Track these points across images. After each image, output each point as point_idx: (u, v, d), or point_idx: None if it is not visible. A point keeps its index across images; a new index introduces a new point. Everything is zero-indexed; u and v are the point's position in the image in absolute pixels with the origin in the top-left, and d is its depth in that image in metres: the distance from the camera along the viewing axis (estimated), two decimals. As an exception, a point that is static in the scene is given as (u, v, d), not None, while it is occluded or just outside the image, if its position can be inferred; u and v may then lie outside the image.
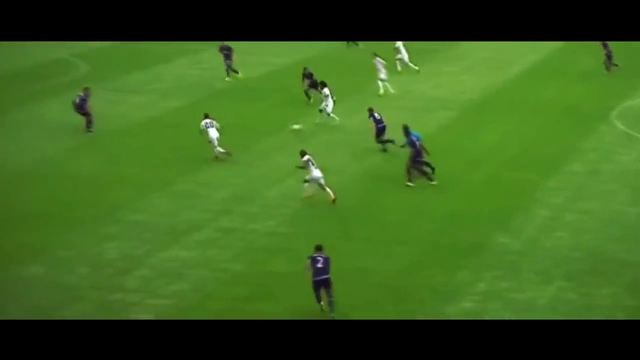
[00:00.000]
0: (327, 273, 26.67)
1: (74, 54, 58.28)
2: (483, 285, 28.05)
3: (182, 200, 34.67)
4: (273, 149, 40.47)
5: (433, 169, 36.50)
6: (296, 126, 42.18)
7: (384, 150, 40.36)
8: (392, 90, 49.29)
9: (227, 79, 52.00)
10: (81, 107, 42.49)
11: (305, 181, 34.76)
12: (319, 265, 26.70)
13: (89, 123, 42.44)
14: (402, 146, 37.36)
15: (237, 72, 52.19)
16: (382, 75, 49.46)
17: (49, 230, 31.94)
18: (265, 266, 29.44)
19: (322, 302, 26.42)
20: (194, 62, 56.92)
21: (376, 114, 40.96)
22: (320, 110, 44.13)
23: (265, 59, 56.93)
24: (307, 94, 47.24)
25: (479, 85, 51.48)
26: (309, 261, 26.92)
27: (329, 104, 44.00)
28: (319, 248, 27.25)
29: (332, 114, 44.03)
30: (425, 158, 36.64)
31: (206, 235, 31.54)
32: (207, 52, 56.79)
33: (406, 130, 37.14)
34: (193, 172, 37.29)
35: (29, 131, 42.67)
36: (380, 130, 40.74)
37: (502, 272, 28.87)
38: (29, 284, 28.11)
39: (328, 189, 34.49)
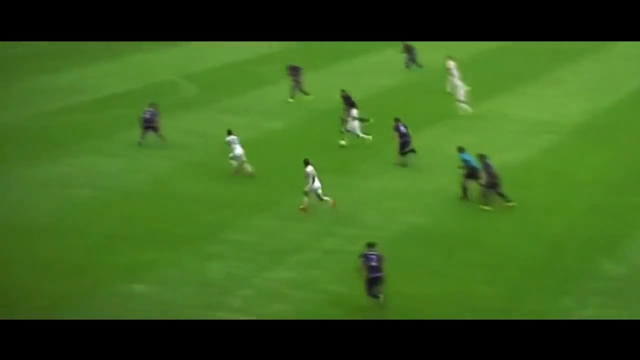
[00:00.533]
0: (380, 271, 27.38)
1: (182, 75, 59.17)
2: (589, 312, 27.67)
3: (285, 221, 34.90)
4: (374, 171, 40.49)
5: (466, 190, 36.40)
6: (343, 142, 42.10)
7: (404, 165, 40.49)
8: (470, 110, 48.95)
9: (290, 99, 52.07)
10: (151, 121, 43.93)
11: (305, 193, 35.29)
12: (373, 263, 27.34)
13: (146, 135, 43.92)
14: (460, 167, 37.08)
15: (307, 94, 52.22)
16: (460, 96, 49.16)
17: (154, 249, 32.46)
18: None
19: (374, 300, 27.41)
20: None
21: (402, 127, 40.91)
22: (348, 131, 43.92)
23: (368, 80, 57.01)
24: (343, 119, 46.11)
25: (583, 108, 50.77)
26: (362, 259, 27.57)
27: (355, 125, 43.79)
28: (371, 245, 27.85)
29: (362, 134, 43.78)
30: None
31: (308, 256, 31.71)
32: (307, 76, 57.14)
33: (461, 152, 37.22)
34: (297, 194, 37.49)
35: (140, 151, 43.41)
36: (404, 144, 40.67)
37: (607, 299, 28.44)
38: (135, 302, 28.59)
39: (326, 197, 35.25)
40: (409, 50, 60.12)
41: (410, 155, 40.84)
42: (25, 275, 30.50)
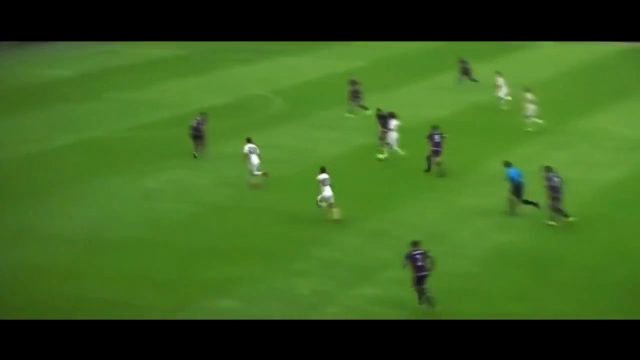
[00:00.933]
0: (426, 270, 28.13)
1: (272, 90, 59.28)
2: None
3: (372, 238, 34.55)
4: (467, 188, 39.94)
5: (535, 204, 35.93)
6: (381, 155, 41.65)
7: (428, 170, 41.08)
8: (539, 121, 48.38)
9: (347, 114, 51.74)
10: (197, 130, 44.61)
11: (320, 201, 35.75)
12: (420, 263, 28.12)
13: (198, 146, 44.57)
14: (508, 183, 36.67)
15: (366, 108, 51.78)
16: (530, 111, 48.78)
17: (242, 264, 32.36)
18: (456, 307, 28.90)
19: (423, 298, 28.05)
20: (387, 99, 56.91)
21: (436, 136, 41.31)
22: (387, 144, 43.70)
23: (455, 96, 56.45)
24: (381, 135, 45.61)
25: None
26: (408, 259, 28.34)
27: (393, 137, 43.55)
28: (416, 244, 28.56)
29: (395, 147, 43.57)
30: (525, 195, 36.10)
31: (396, 273, 31.26)
32: (399, 91, 56.87)
33: (506, 167, 36.84)
34: (386, 210, 37.13)
35: (227, 165, 43.46)
36: (435, 152, 41.10)
37: None
38: (222, 317, 28.44)
39: (335, 209, 35.60)
40: (464, 65, 59.84)
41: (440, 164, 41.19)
42: (115, 286, 30.67)
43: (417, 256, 28.28)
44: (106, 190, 40.26)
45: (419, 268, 28.21)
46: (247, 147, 40.49)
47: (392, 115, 44.44)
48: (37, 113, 54.06)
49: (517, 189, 36.33)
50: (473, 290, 30.14)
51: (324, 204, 36.09)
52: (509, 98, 53.31)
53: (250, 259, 32.78)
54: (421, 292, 28.28)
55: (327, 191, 36.02)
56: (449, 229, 35.36)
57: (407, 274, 31.12)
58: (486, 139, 47.48)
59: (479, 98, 55.77)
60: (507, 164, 37.16)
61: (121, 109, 51.89)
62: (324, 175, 36.29)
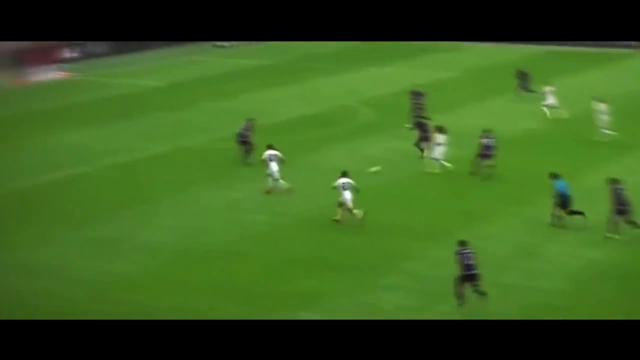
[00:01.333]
0: (476, 268, 28.62)
1: (359, 100, 58.99)
2: None
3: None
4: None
5: (581, 213, 35.60)
6: (374, 168, 41.36)
7: (473, 174, 41.43)
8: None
9: (407, 125, 50.93)
10: (243, 136, 44.90)
11: (340, 204, 36.24)
12: (470, 261, 28.63)
13: (247, 152, 44.64)
14: (555, 195, 36.25)
15: (428, 119, 51.12)
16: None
17: (324, 277, 32.07)
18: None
19: (462, 299, 28.59)
20: (478, 111, 56.22)
21: (485, 139, 42.42)
22: (435, 159, 43.45)
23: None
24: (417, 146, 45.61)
25: None
26: (459, 257, 28.85)
27: (439, 150, 43.35)
28: (463, 243, 29.07)
29: (442, 161, 43.38)
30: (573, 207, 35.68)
31: (485, 290, 30.66)
32: (492, 103, 56.16)
33: (553, 179, 36.40)
34: (477, 225, 36.52)
35: (313, 176, 43.28)
36: (483, 156, 42.14)
37: None
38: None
39: (355, 211, 36.08)
40: (523, 77, 58.70)
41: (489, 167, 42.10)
42: (201, 297, 30.61)
43: (467, 255, 28.75)
44: (195, 201, 40.31)
45: (467, 267, 28.69)
46: (268, 153, 40.75)
47: (440, 130, 44.10)
48: (129, 123, 54.52)
49: (563, 201, 35.79)
50: (564, 307, 29.41)
51: (341, 208, 36.42)
52: (559, 109, 52.95)
53: (334, 272, 32.45)
54: (461, 294, 28.80)
55: (347, 195, 36.33)
56: (538, 245, 34.66)
57: (498, 290, 30.58)
58: (575, 153, 46.59)
59: (572, 111, 54.77)
60: (555, 176, 36.66)
61: (211, 119, 52.06)
62: (344, 180, 36.64)
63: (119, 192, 41.64)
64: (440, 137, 43.73)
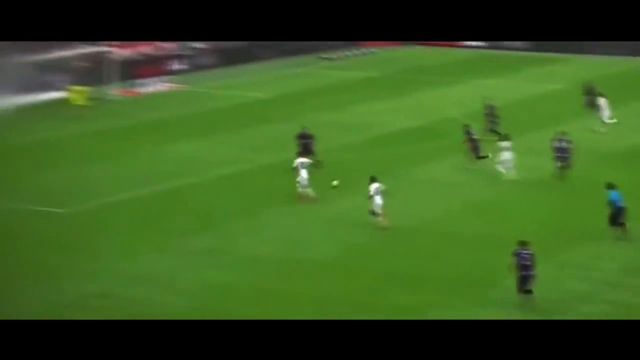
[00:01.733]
0: (533, 269, 29.07)
1: (465, 113, 58.55)
2: None
3: (567, 269, 33.52)
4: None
5: (623, 224, 35.48)
6: (335, 182, 41.28)
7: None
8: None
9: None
10: (305, 145, 45.79)
11: (371, 211, 37.34)
12: (527, 262, 29.07)
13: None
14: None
15: (498, 133, 50.21)
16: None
17: (430, 291, 31.88)
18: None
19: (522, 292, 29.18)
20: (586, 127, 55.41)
21: (558, 142, 43.66)
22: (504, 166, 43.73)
23: None
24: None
25: None
26: (515, 258, 29.29)
27: (506, 157, 43.81)
28: (523, 244, 29.48)
29: (507, 168, 43.75)
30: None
31: (593, 308, 30.16)
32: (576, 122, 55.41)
33: (609, 189, 36.11)
34: (583, 242, 35.94)
35: (419, 190, 43.14)
36: (557, 158, 43.63)
37: None
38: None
39: (384, 217, 37.08)
40: (590, 92, 57.57)
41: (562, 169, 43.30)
42: (302, 309, 30.63)
43: (525, 255, 29.23)
44: (299, 213, 40.48)
45: (525, 267, 29.18)
46: (298, 161, 41.92)
47: (505, 137, 44.97)
48: (236, 134, 55.01)
49: (616, 212, 35.66)
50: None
51: (373, 214, 37.48)
52: (613, 121, 52.29)
53: (440, 286, 32.23)
54: (523, 292, 29.49)
55: (377, 200, 37.41)
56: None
57: (608, 309, 30.02)
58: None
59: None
60: (610, 187, 36.37)
61: (317, 131, 52.08)
62: (375, 185, 37.60)
63: (224, 203, 42.00)
64: (504, 145, 44.24)
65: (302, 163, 41.87)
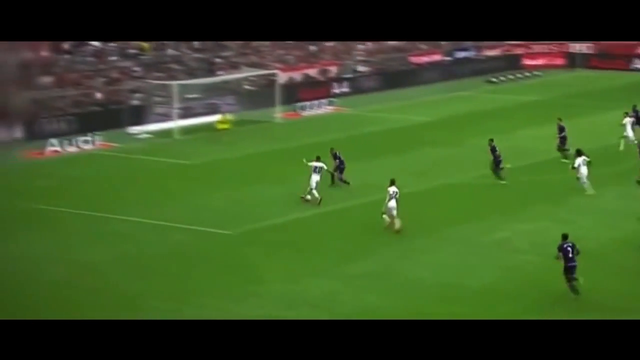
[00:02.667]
0: (575, 260, 31.66)
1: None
2: None
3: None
4: None
5: None
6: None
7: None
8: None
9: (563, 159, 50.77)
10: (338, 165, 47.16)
11: (383, 213, 39.02)
12: (570, 254, 31.65)
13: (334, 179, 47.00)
14: None
15: (566, 150, 50.34)
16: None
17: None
18: None
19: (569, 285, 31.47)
20: None
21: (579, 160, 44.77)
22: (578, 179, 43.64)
23: None
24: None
25: None
26: (561, 251, 31.79)
27: (583, 173, 44.37)
28: (565, 237, 32.04)
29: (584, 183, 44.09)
30: None
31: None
32: None
33: None
34: None
35: (588, 218, 42.49)
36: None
37: None
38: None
39: (397, 220, 38.90)
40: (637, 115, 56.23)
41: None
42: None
43: (569, 248, 31.73)
44: (460, 238, 40.22)
45: (570, 259, 31.68)
46: (313, 164, 43.84)
47: (579, 153, 45.34)
48: (398, 158, 54.95)
49: None
50: None
51: (386, 216, 39.22)
52: (636, 140, 51.70)
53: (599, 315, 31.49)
54: (570, 280, 31.69)
55: (392, 203, 39.07)
56: None
57: None
58: None
59: None
60: None
61: (479, 155, 51.82)
62: (393, 189, 39.32)
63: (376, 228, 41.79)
64: (579, 160, 45.04)
65: (317, 167, 43.68)
